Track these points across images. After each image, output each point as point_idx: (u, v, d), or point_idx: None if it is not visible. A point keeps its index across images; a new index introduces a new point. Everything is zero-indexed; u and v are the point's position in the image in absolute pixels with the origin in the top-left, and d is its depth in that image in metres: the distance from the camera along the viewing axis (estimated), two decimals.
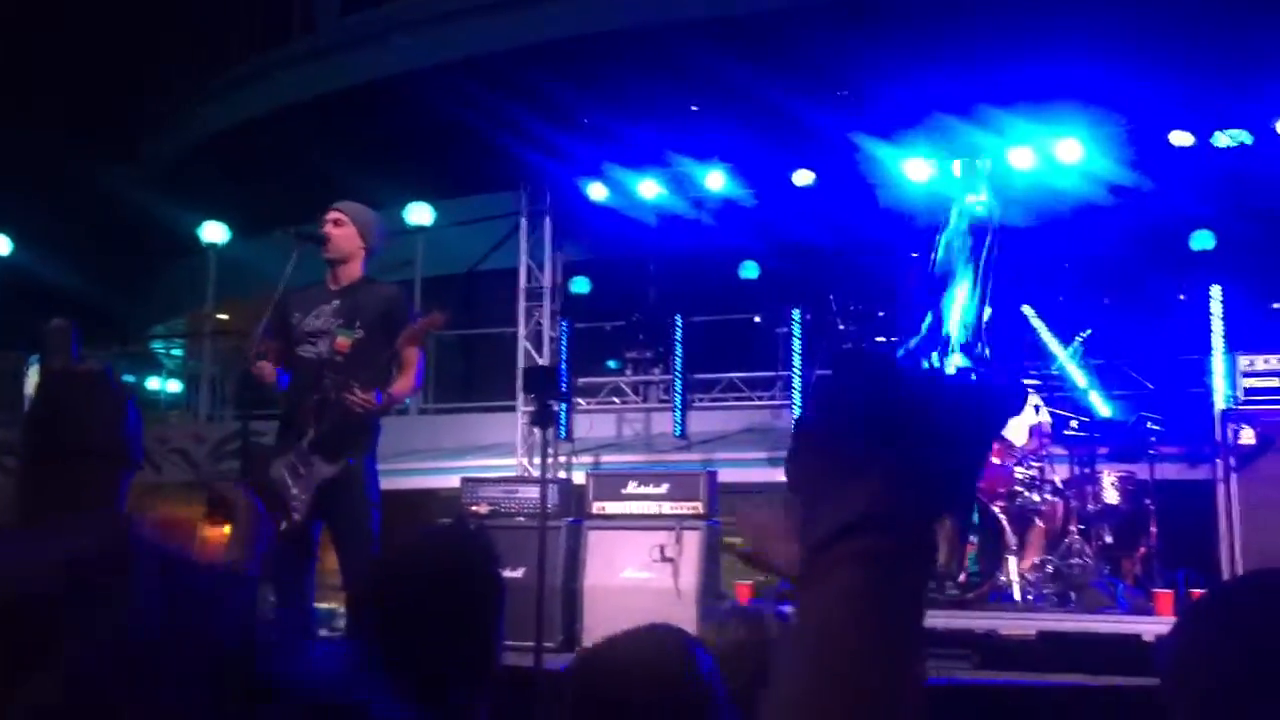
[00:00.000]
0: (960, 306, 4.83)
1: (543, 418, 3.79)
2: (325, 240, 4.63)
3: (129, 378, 16.57)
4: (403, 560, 1.77)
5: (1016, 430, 7.03)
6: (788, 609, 1.92)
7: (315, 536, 4.55)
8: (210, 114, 14.91)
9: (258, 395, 4.71)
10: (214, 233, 14.39)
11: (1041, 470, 6.88)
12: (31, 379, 13.30)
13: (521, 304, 10.86)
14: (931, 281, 5.40)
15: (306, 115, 13.51)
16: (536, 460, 10.64)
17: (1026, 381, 7.18)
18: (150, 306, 18.25)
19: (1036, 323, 7.09)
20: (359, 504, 4.47)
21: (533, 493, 7.91)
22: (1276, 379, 6.66)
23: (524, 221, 11.00)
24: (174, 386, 17.84)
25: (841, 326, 8.13)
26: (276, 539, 4.45)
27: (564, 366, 10.58)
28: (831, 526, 0.72)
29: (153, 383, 17.84)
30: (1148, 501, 6.91)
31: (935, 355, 4.57)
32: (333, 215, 4.69)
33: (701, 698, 1.37)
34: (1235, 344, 7.73)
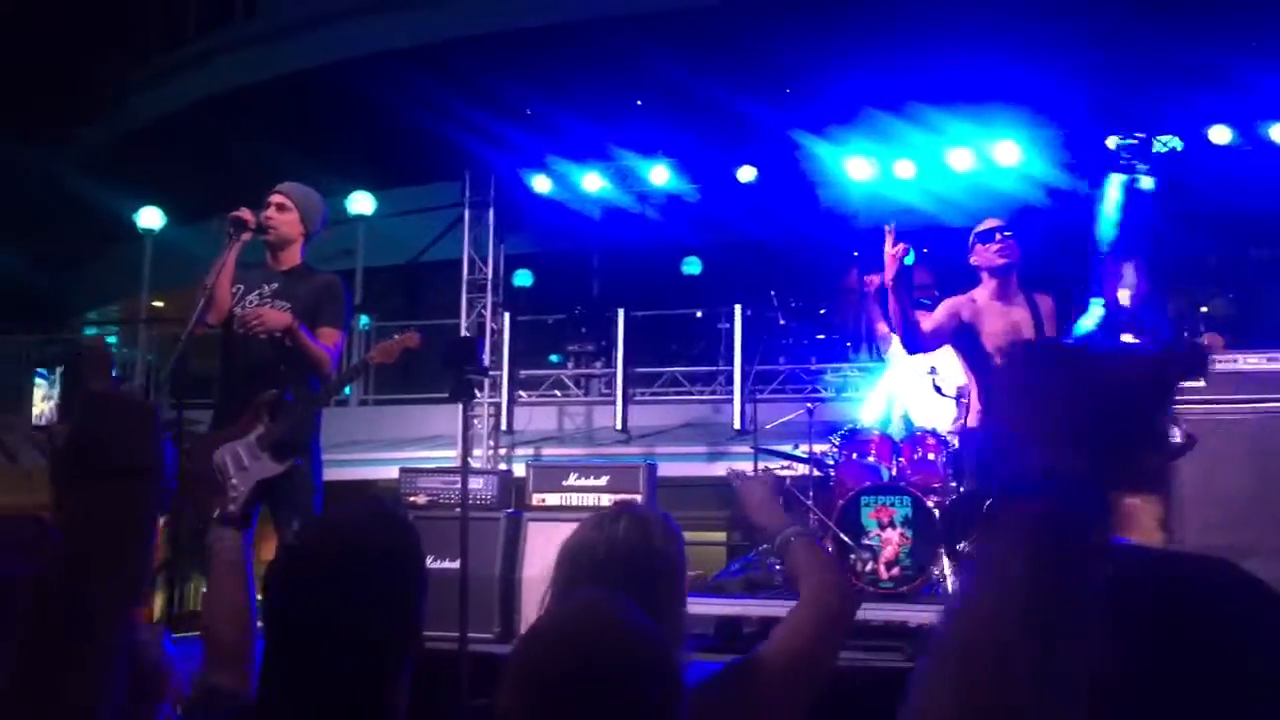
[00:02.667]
0: (1127, 282, 4.94)
1: (460, 390, 3.76)
2: (265, 227, 4.57)
3: (59, 365, 16.24)
4: (315, 537, 1.74)
5: (949, 425, 7.14)
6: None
7: (253, 524, 4.51)
8: (149, 98, 14.66)
9: (192, 382, 4.64)
10: (150, 218, 14.15)
11: None
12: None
13: (464, 296, 10.81)
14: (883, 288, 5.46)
15: (247, 100, 13.33)
16: (477, 452, 10.61)
17: None
18: (83, 293, 17.89)
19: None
20: (302, 494, 4.43)
21: (473, 484, 7.88)
22: (1202, 379, 6.80)
23: (467, 212, 10.95)
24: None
25: (782, 322, 8.20)
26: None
27: (505, 359, 10.55)
28: (1011, 487, 0.77)
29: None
30: None
31: (1111, 330, 4.67)
32: (276, 199, 4.63)
33: (646, 661, 1.39)
34: None
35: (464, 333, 10.77)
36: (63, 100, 16.51)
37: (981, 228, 5.28)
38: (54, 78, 16.40)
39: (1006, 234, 5.22)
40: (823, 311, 9.99)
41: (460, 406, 10.69)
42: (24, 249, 15.56)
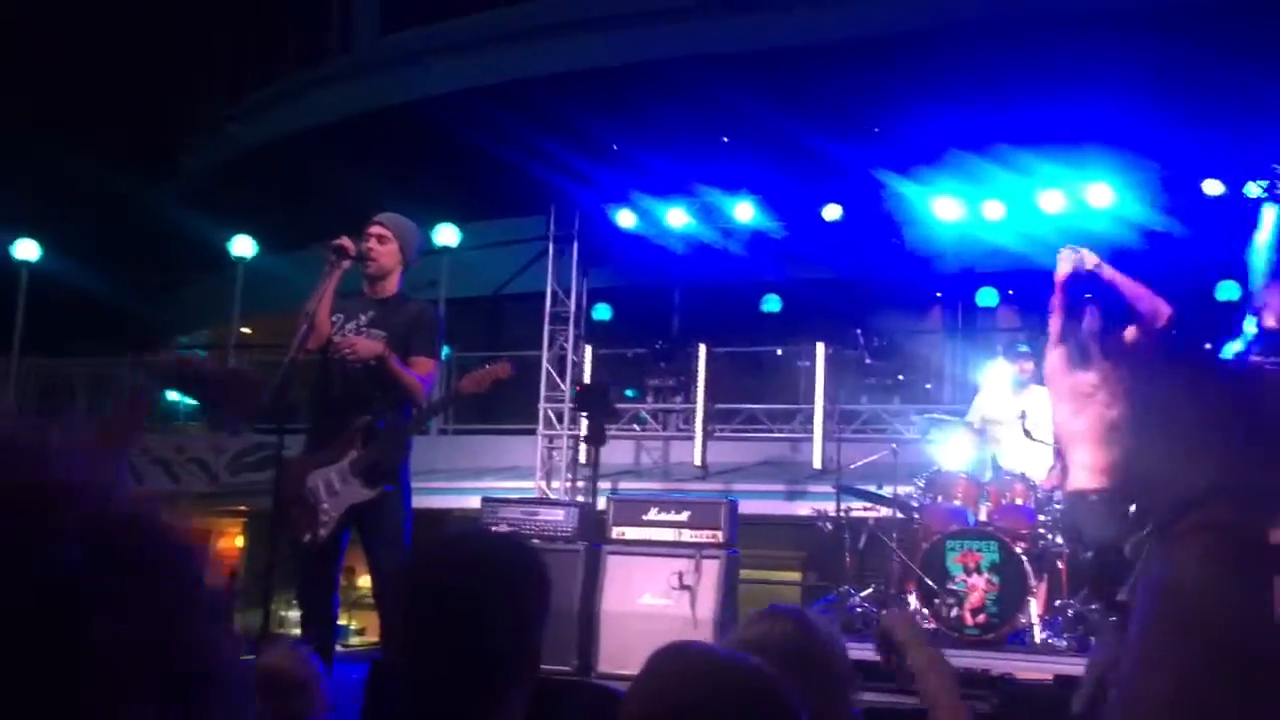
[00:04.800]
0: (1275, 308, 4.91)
1: (594, 434, 3.78)
2: (366, 257, 4.65)
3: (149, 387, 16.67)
4: (439, 560, 1.77)
5: (1039, 471, 7.00)
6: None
7: (343, 548, 4.56)
8: (245, 130, 15.07)
9: (291, 405, 4.72)
10: (242, 247, 14.50)
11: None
12: None
13: (546, 328, 10.89)
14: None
15: (339, 134, 13.64)
16: (555, 484, 10.65)
17: None
18: (175, 317, 18.38)
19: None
20: (393, 521, 4.48)
21: (553, 515, 7.90)
22: None
23: (551, 246, 11.05)
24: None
25: (868, 361, 8.12)
26: (303, 551, 4.48)
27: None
28: (1181, 499, 0.78)
29: (173, 393, 17.93)
30: None
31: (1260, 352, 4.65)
32: (376, 230, 4.71)
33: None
34: None
35: (545, 365, 10.84)
36: (163, 131, 17.06)
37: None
38: (155, 109, 16.97)
39: None
40: (906, 350, 9.88)
41: (538, 439, 10.77)
42: (122, 274, 16.04)
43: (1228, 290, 10.77)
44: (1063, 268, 5.34)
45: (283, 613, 12.42)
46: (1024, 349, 7.32)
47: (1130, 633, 0.76)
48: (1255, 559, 0.74)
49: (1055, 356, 5.12)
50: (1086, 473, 4.93)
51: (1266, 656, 0.73)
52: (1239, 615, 0.73)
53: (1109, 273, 5.39)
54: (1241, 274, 10.39)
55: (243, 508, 14.30)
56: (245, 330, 15.81)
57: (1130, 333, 5.30)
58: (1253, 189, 8.80)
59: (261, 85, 15.36)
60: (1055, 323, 5.23)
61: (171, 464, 13.22)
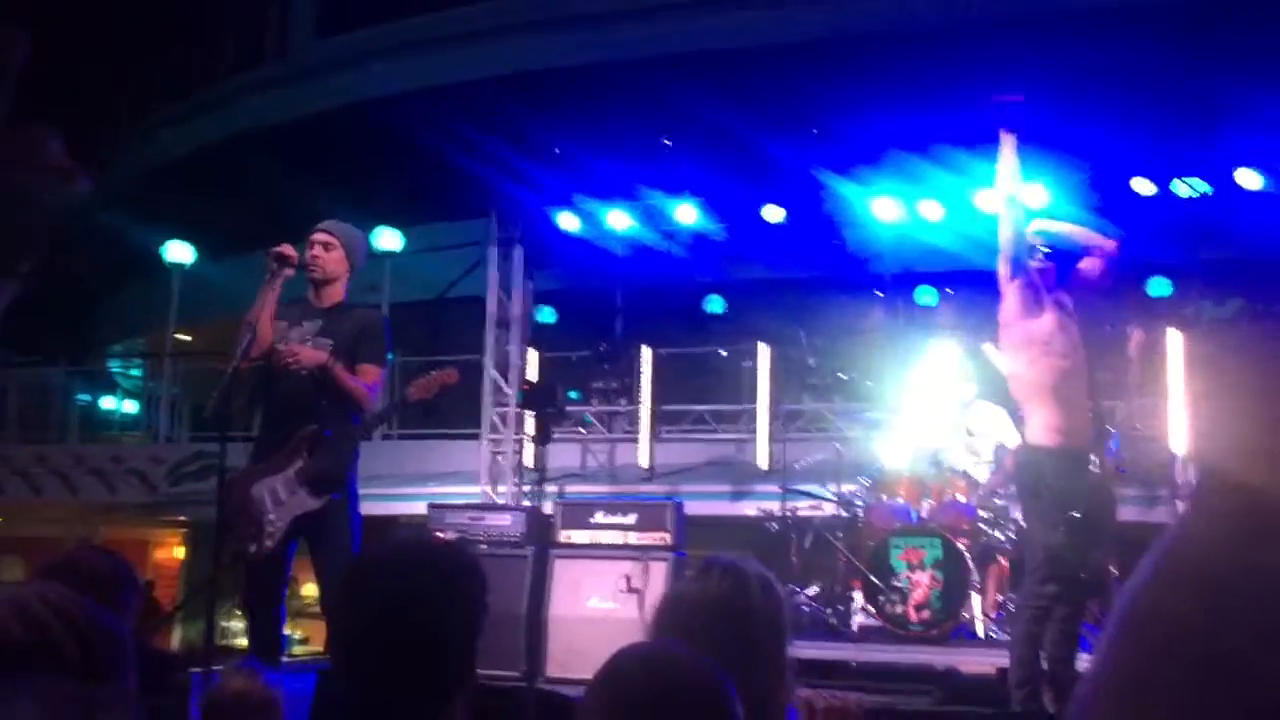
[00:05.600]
0: None
1: (543, 434, 3.78)
2: (311, 266, 4.62)
3: (84, 396, 16.38)
4: (378, 568, 1.78)
5: (980, 468, 7.13)
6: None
7: (289, 558, 4.53)
8: (180, 134, 14.84)
9: (232, 416, 4.68)
10: (179, 253, 14.29)
11: (1004, 508, 6.97)
12: None
13: (490, 332, 10.86)
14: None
15: (276, 138, 13.48)
16: (501, 488, 10.63)
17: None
18: (109, 324, 18.05)
19: (999, 360, 7.20)
20: (341, 530, 4.46)
21: (500, 519, 7.89)
22: None
23: (494, 249, 11.02)
24: (130, 406, 17.62)
25: (811, 362, 8.20)
26: (248, 562, 4.44)
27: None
28: (1212, 459, 0.76)
29: (108, 402, 17.62)
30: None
31: None
32: (321, 238, 4.68)
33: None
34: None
35: (488, 370, 10.81)
36: (94, 134, 16.74)
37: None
38: (85, 112, 16.65)
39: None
40: (848, 350, 9.99)
41: (482, 444, 10.73)
42: (52, 280, 15.71)
43: (1159, 286, 11.03)
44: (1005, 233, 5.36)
45: (224, 623, 12.27)
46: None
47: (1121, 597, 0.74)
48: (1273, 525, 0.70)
49: (1010, 299, 5.16)
50: (1044, 430, 4.99)
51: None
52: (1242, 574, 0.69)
53: (1052, 227, 5.47)
54: (1171, 270, 10.66)
55: (183, 518, 14.09)
56: (183, 337, 15.58)
57: (1086, 263, 5.37)
58: (1181, 188, 9.02)
59: (197, 88, 15.13)
60: (1004, 266, 5.27)
61: (109, 475, 12.99)
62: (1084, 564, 4.83)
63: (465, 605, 1.68)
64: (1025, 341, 5.15)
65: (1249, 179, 8.78)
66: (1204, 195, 8.94)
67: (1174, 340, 8.11)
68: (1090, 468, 4.99)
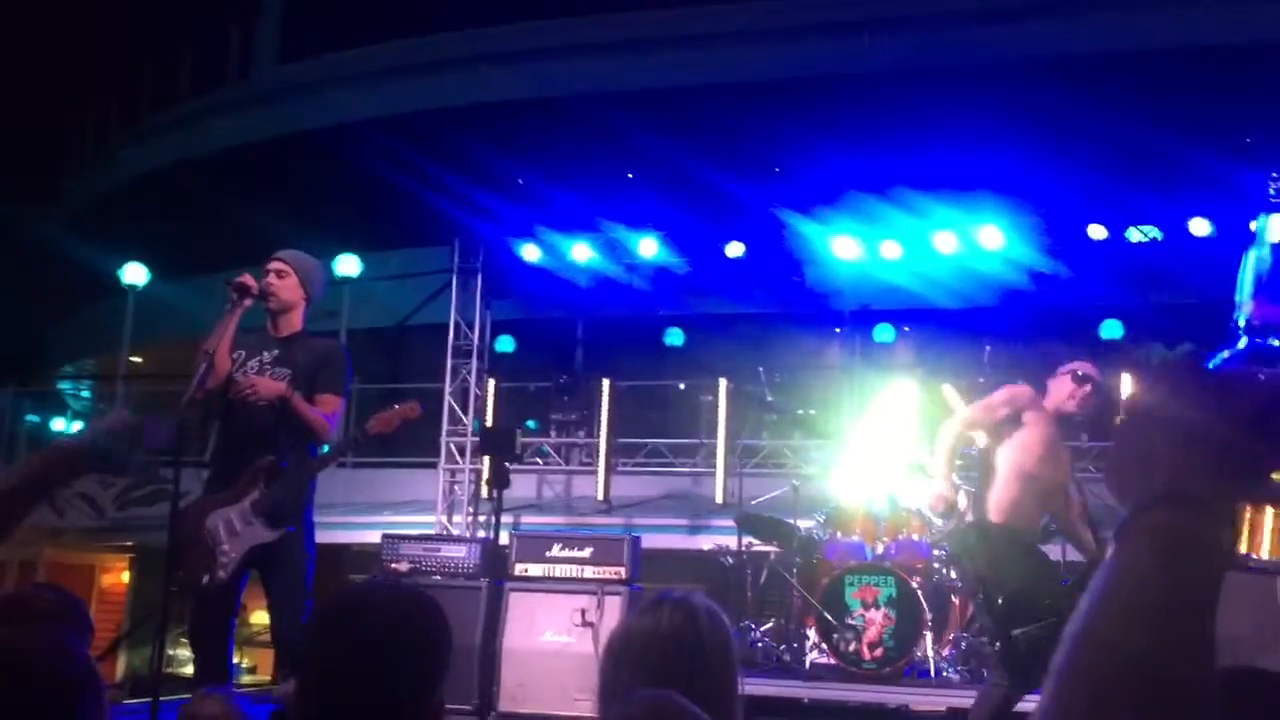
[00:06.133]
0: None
1: (498, 478, 3.77)
2: (267, 294, 4.59)
3: (33, 417, 16.11)
4: (347, 613, 1.78)
5: (934, 509, 7.17)
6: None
7: (241, 589, 4.47)
8: (138, 155, 14.73)
9: (186, 443, 4.62)
10: (134, 274, 14.13)
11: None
12: None
13: (449, 360, 10.81)
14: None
15: (236, 161, 13.41)
16: (456, 518, 10.56)
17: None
18: (60, 345, 17.79)
19: (957, 403, 7.28)
20: (295, 563, 4.40)
21: (455, 551, 7.84)
22: None
23: (455, 278, 10.99)
24: (79, 428, 17.35)
25: (769, 397, 8.24)
26: (200, 592, 4.38)
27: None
28: (1140, 499, 0.80)
29: (57, 423, 17.34)
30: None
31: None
32: (276, 265, 4.66)
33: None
34: None
35: (447, 398, 10.76)
36: (50, 156, 16.56)
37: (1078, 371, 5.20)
38: (42, 133, 16.47)
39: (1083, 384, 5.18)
40: (806, 386, 10.06)
41: (439, 473, 10.67)
42: (6, 302, 15.49)
43: (1110, 329, 11.22)
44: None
45: (171, 651, 12.06)
46: None
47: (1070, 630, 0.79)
48: (1194, 568, 0.76)
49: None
50: (993, 507, 5.05)
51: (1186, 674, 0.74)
52: (1171, 618, 0.75)
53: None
54: (1124, 313, 10.85)
55: (129, 543, 13.86)
56: (136, 359, 15.38)
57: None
58: (1134, 234, 9.20)
59: (156, 110, 15.02)
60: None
61: (56, 498, 12.76)
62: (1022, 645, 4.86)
63: (428, 654, 1.69)
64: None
65: (1200, 226, 8.97)
66: (1154, 241, 9.12)
67: (1127, 383, 8.21)
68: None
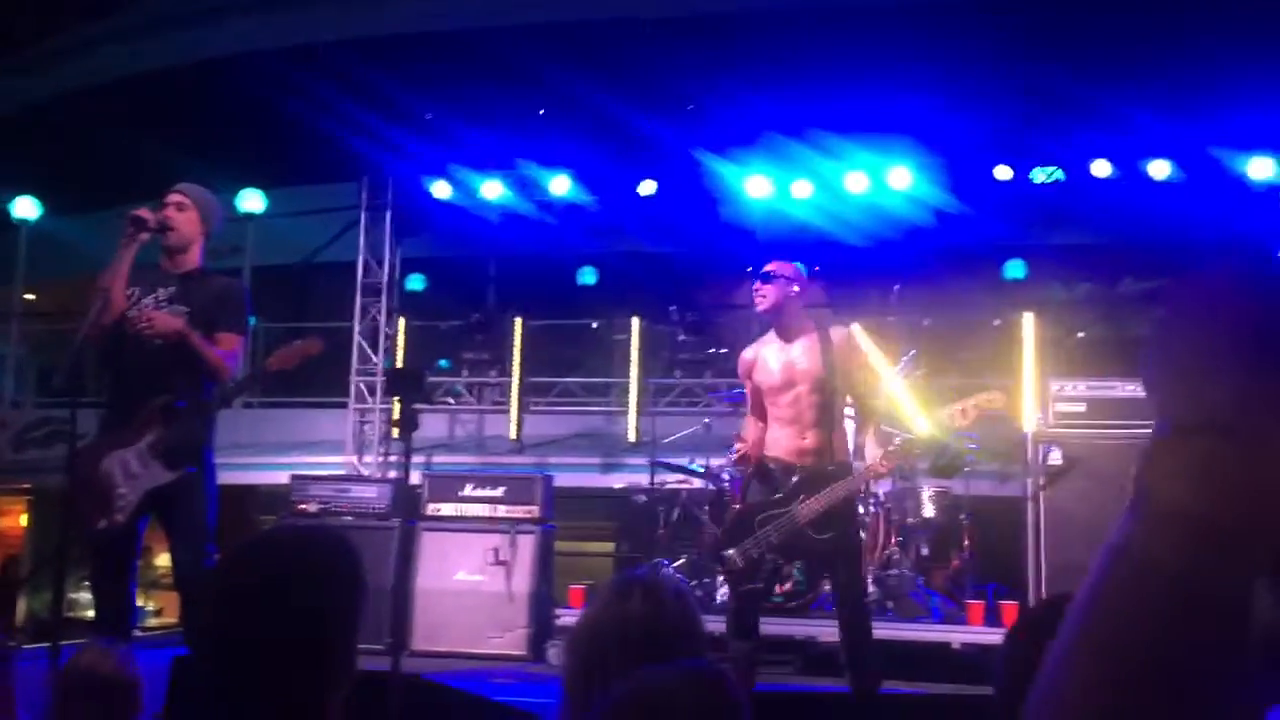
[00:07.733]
0: None
1: (406, 421, 3.71)
2: (166, 227, 4.44)
3: None
4: (251, 556, 1.73)
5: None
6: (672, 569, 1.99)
7: (140, 532, 4.37)
8: (29, 85, 14.09)
9: (83, 383, 4.48)
10: (25, 209, 13.57)
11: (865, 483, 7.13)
12: None
13: (358, 299, 10.64)
14: None
15: (131, 92, 12.91)
16: (367, 459, 10.45)
17: None
18: None
19: (866, 341, 7.37)
20: (197, 505, 4.31)
21: (365, 491, 7.77)
22: (1084, 405, 7.09)
23: (364, 215, 10.79)
24: None
25: (681, 337, 8.26)
26: (97, 536, 4.27)
27: (399, 364, 10.41)
28: (1183, 416, 0.70)
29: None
30: (962, 517, 7.27)
31: None
32: (175, 198, 4.51)
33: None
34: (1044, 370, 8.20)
35: (356, 337, 10.60)
36: None
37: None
38: None
39: (756, 282, 5.02)
40: (721, 324, 10.10)
41: (349, 413, 10.54)
42: None
43: (1014, 269, 11.44)
44: None
45: (72, 595, 11.80)
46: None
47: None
48: (1238, 497, 0.66)
49: None
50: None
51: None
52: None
53: None
54: (1027, 252, 11.05)
55: (26, 486, 13.48)
56: (30, 297, 14.84)
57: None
58: (1039, 175, 9.36)
59: (44, 37, 14.37)
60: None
61: None
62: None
63: (339, 600, 1.64)
64: None
65: (1101, 168, 9.16)
66: (1058, 182, 9.29)
67: (1028, 323, 8.40)
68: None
